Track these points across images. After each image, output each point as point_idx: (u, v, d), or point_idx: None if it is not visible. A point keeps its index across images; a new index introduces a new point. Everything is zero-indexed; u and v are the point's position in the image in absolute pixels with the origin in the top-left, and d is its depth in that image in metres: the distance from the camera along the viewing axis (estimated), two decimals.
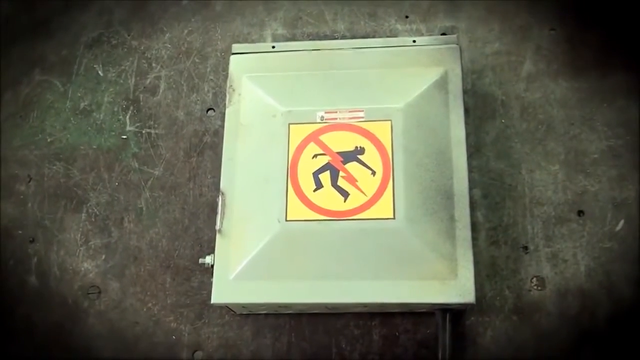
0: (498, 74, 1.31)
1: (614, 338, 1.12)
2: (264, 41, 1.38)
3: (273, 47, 1.23)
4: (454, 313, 1.10)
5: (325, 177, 1.10)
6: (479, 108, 1.28)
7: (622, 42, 1.30)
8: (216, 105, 1.34)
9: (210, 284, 1.09)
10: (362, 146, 1.11)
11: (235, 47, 1.23)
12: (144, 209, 1.29)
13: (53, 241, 1.29)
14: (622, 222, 1.19)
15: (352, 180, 1.09)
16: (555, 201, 1.21)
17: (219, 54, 1.38)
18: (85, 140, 1.36)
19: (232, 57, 1.22)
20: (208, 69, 1.38)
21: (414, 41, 1.20)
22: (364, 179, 1.09)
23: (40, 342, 1.23)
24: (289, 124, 1.13)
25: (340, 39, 1.37)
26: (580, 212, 1.20)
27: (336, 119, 1.13)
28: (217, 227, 1.11)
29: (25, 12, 1.48)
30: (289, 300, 1.09)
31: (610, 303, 1.14)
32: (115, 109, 1.37)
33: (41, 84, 1.41)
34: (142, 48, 1.42)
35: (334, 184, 1.10)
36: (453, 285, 1.05)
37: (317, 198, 1.09)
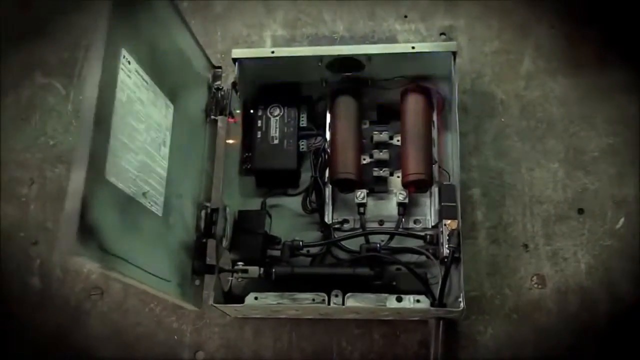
0: (497, 72, 1.31)
1: (615, 336, 1.12)
2: (264, 42, 1.39)
3: (272, 52, 1.19)
4: (447, 321, 1.10)
5: None
6: (478, 107, 1.28)
7: (621, 39, 1.30)
8: None
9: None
10: None
11: (235, 53, 1.20)
12: None
13: (55, 243, 1.29)
14: (622, 220, 1.19)
15: None
16: (555, 199, 1.21)
17: (219, 56, 1.38)
18: None
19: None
20: None
21: (413, 47, 1.16)
22: None
23: (42, 343, 1.23)
24: None
25: (339, 39, 1.37)
26: (580, 210, 1.20)
27: None
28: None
29: (26, 14, 1.49)
30: None
31: (611, 301, 1.14)
32: None
33: (43, 87, 1.42)
34: None
35: None
36: None
37: None
